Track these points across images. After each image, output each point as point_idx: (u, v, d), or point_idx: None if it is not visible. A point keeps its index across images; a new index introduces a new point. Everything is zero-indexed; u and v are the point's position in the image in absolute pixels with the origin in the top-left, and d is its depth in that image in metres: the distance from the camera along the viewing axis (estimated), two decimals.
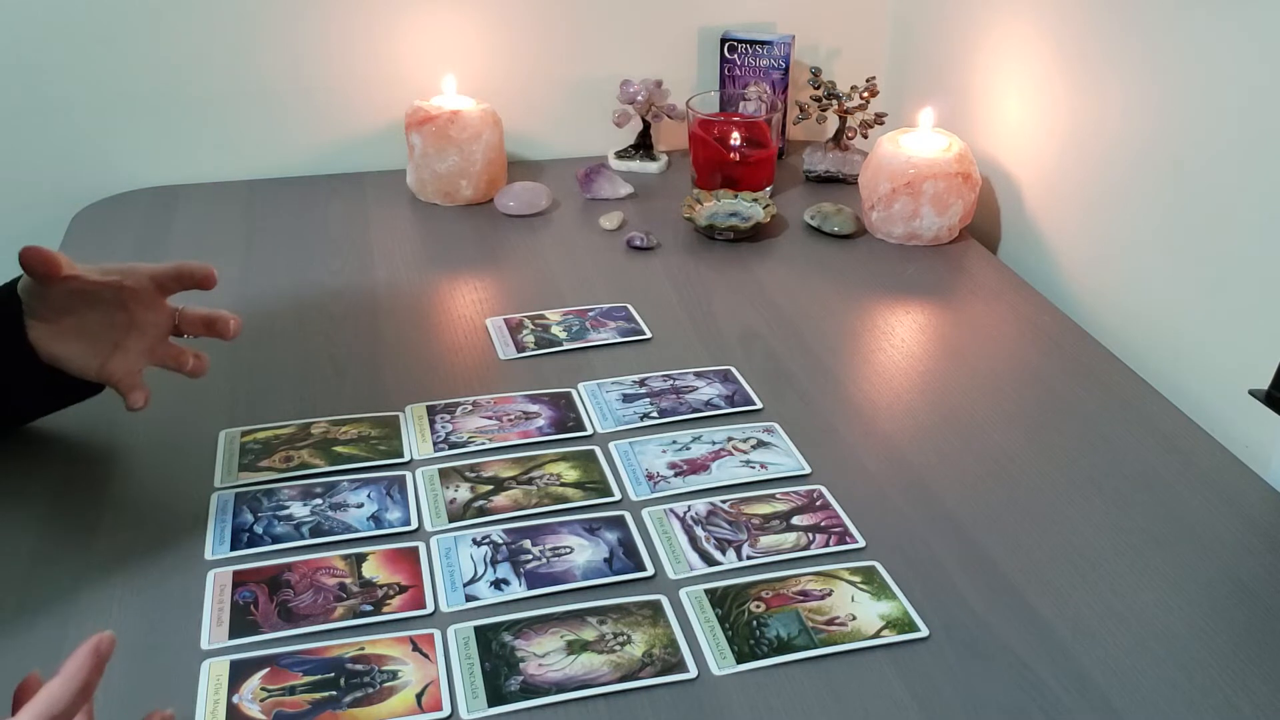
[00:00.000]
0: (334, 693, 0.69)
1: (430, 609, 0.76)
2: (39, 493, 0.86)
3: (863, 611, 0.76)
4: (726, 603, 0.77)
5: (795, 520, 0.85)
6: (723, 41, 1.49)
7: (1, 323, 0.84)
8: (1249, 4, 0.94)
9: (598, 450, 0.93)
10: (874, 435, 0.96)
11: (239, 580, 0.78)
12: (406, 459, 0.91)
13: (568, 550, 0.81)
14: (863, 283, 1.21)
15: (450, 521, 0.84)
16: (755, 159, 1.38)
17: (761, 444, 0.94)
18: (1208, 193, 1.01)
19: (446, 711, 0.68)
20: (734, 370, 1.04)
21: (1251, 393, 0.88)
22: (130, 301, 0.86)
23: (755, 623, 0.75)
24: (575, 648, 0.73)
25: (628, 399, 0.99)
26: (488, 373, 1.04)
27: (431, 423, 0.95)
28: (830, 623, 0.75)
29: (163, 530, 0.83)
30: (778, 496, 0.88)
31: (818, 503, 0.87)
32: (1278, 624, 0.76)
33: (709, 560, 0.81)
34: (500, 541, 0.82)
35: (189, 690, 0.69)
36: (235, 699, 0.69)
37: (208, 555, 0.81)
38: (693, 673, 0.71)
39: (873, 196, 1.29)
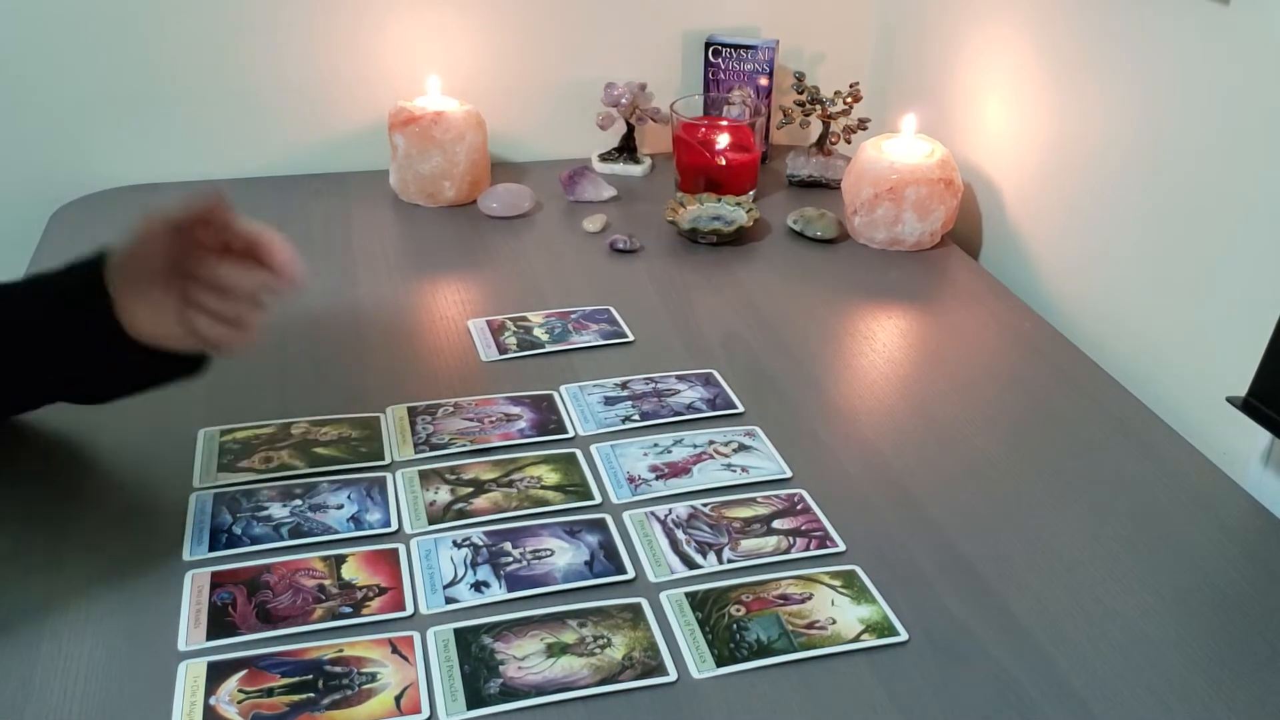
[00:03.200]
0: (312, 695, 0.69)
1: (410, 611, 0.76)
2: (15, 492, 0.86)
3: (843, 615, 0.76)
4: (707, 606, 0.77)
5: (776, 524, 0.85)
6: (707, 45, 1.49)
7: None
8: (1229, 13, 0.95)
9: (579, 453, 0.92)
10: (855, 439, 0.96)
11: (217, 581, 0.78)
12: (387, 460, 0.91)
13: (548, 553, 0.81)
14: (845, 287, 1.21)
15: (430, 523, 0.84)
16: (739, 163, 1.38)
17: (743, 447, 0.94)
18: (1187, 201, 1.02)
19: (425, 714, 0.68)
20: (716, 374, 1.04)
21: (1229, 400, 0.89)
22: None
23: (735, 626, 0.75)
24: (555, 650, 0.73)
25: (609, 401, 0.99)
26: (469, 374, 1.04)
27: (412, 424, 0.95)
28: (810, 626, 0.75)
29: (140, 530, 0.82)
30: (759, 500, 0.88)
31: (798, 506, 0.87)
32: (1254, 630, 0.77)
33: (690, 563, 0.81)
34: (481, 544, 0.82)
35: (166, 692, 0.69)
36: (212, 701, 0.68)
37: (186, 556, 0.80)
38: (673, 676, 0.71)
39: (855, 201, 1.29)
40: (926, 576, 0.81)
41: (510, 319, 1.12)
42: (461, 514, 0.85)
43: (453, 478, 0.89)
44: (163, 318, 0.79)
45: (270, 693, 0.69)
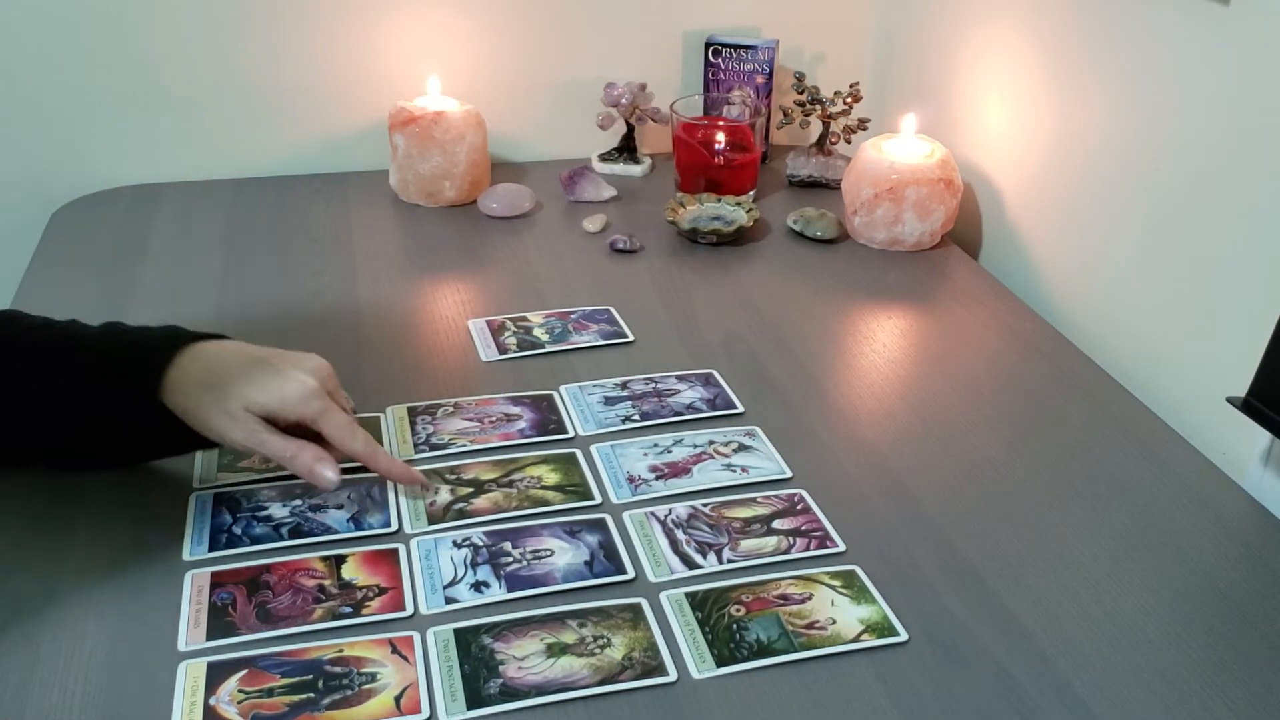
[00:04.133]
0: (312, 695, 0.69)
1: (410, 611, 0.76)
2: (15, 491, 0.86)
3: (843, 615, 0.76)
4: (707, 606, 0.77)
5: (776, 524, 0.85)
6: (707, 45, 1.49)
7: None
8: (1230, 14, 0.95)
9: (579, 453, 0.92)
10: (855, 439, 0.96)
11: (217, 581, 0.78)
12: None
13: (548, 553, 0.81)
14: (845, 287, 1.21)
15: (430, 524, 0.84)
16: (739, 163, 1.38)
17: (743, 447, 0.94)
18: (1187, 201, 1.02)
19: (425, 714, 0.68)
20: (716, 374, 1.04)
21: (1229, 400, 0.89)
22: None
23: (735, 626, 0.75)
24: (555, 651, 0.73)
25: (609, 401, 0.99)
26: (469, 374, 1.04)
27: (412, 424, 0.95)
28: (810, 626, 0.75)
29: (140, 530, 0.82)
30: (759, 500, 0.88)
31: (798, 506, 0.87)
32: (1254, 631, 0.77)
33: (689, 563, 0.81)
34: (481, 544, 0.82)
35: (166, 692, 0.69)
36: (212, 701, 0.68)
37: (186, 556, 0.80)
38: (672, 676, 0.71)
39: (855, 202, 1.29)
40: (926, 576, 0.81)
41: (510, 319, 1.12)
42: (461, 514, 0.85)
43: (453, 478, 0.89)
44: (212, 426, 0.80)
45: (270, 693, 0.69)
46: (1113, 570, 0.82)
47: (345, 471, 0.88)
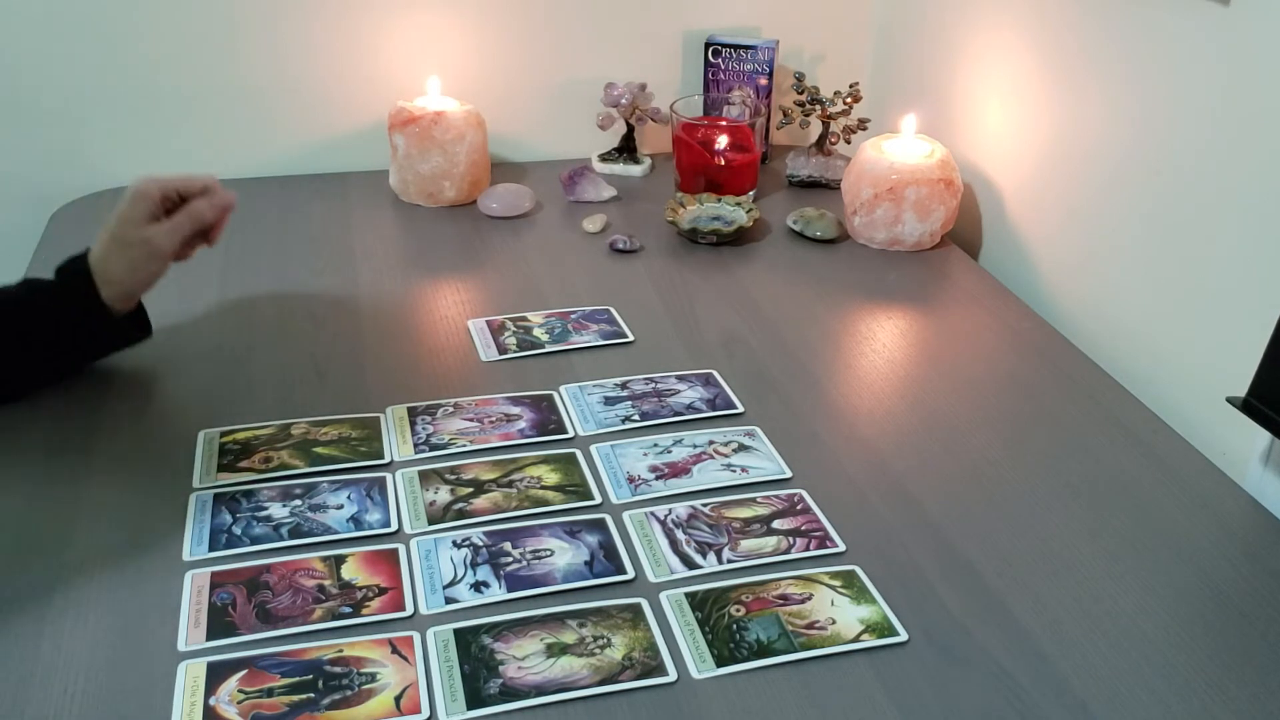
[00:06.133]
0: (312, 695, 0.69)
1: (410, 611, 0.76)
2: (16, 491, 0.86)
3: (842, 616, 0.76)
4: (707, 606, 0.77)
5: (776, 524, 0.85)
6: (707, 46, 1.49)
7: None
8: (1229, 13, 0.95)
9: (579, 453, 0.92)
10: (855, 439, 0.96)
11: (217, 581, 0.78)
12: (387, 460, 0.91)
13: (548, 553, 0.81)
14: (845, 288, 1.21)
15: (430, 523, 0.84)
16: (739, 163, 1.38)
17: (743, 448, 0.94)
18: (1187, 201, 1.02)
19: (425, 714, 0.68)
20: (716, 374, 1.04)
21: (1229, 400, 0.89)
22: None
23: (735, 626, 0.75)
24: (555, 651, 0.73)
25: (609, 402, 0.99)
26: (469, 374, 1.04)
27: (412, 424, 0.95)
28: (810, 627, 0.75)
29: (140, 531, 0.82)
30: (758, 500, 0.88)
31: (798, 507, 0.87)
32: (1253, 630, 0.77)
33: (689, 564, 0.81)
34: (480, 544, 0.82)
35: (165, 692, 0.69)
36: (212, 701, 0.68)
37: (186, 556, 0.80)
38: (672, 676, 0.71)
39: (855, 202, 1.29)
40: (926, 577, 0.81)
41: (510, 319, 1.12)
42: (461, 514, 0.85)
43: (453, 478, 0.89)
44: (136, 261, 0.95)
45: (270, 693, 0.69)
46: (1112, 570, 0.82)
47: (345, 471, 0.88)
